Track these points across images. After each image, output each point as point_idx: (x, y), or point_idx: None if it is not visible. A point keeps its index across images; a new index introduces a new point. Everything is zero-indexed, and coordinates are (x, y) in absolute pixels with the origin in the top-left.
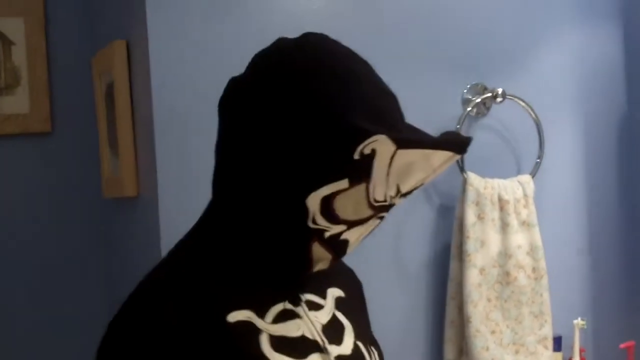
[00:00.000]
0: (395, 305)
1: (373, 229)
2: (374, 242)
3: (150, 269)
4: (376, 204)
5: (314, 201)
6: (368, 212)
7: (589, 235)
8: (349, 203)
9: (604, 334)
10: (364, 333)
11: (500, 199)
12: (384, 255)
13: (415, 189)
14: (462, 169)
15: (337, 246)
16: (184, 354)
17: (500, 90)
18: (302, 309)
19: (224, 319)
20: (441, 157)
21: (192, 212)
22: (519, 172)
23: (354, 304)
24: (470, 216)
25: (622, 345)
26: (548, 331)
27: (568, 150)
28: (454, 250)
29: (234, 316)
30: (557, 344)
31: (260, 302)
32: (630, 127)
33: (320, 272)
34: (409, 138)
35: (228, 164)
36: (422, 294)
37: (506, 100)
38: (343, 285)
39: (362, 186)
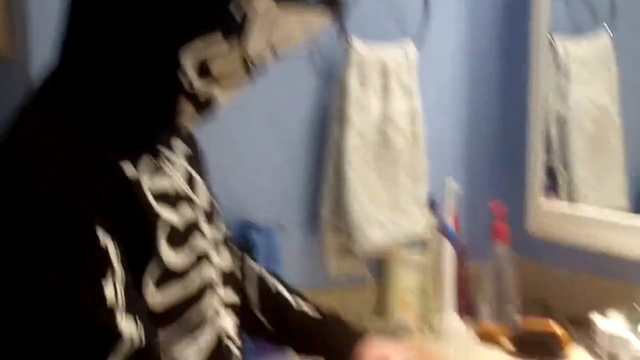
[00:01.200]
0: (272, 163)
1: (242, 89)
2: (254, 102)
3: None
4: (249, 64)
5: (186, 54)
6: (240, 71)
7: (467, 105)
8: (221, 60)
9: (475, 195)
10: (210, 190)
11: (383, 65)
12: (263, 114)
13: (289, 51)
14: (345, 34)
15: (205, 103)
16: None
17: None
18: (162, 162)
19: (123, 173)
20: (318, 21)
21: None
22: (403, 36)
23: (199, 163)
24: (353, 80)
25: (490, 204)
26: (422, 192)
27: (453, 19)
28: (334, 113)
29: (129, 170)
30: (431, 204)
31: (132, 156)
32: (514, 4)
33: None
34: None
35: (91, 15)
36: (301, 153)
37: None
38: (187, 143)
39: (236, 43)
